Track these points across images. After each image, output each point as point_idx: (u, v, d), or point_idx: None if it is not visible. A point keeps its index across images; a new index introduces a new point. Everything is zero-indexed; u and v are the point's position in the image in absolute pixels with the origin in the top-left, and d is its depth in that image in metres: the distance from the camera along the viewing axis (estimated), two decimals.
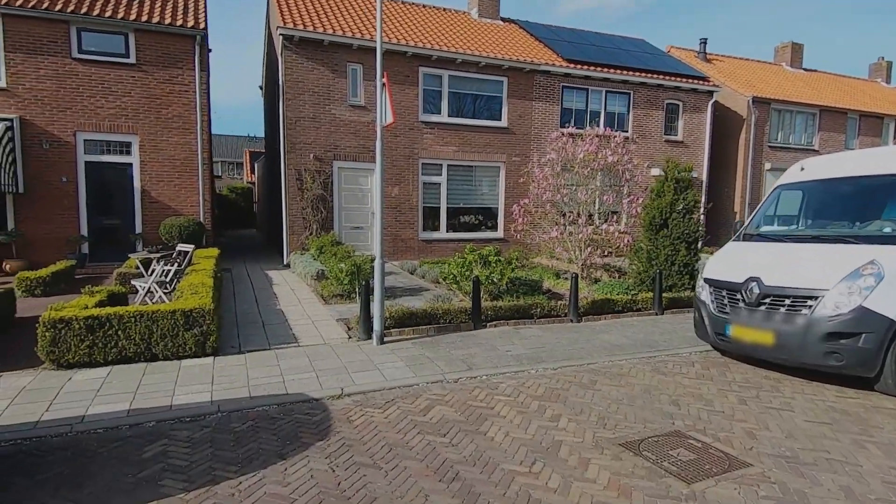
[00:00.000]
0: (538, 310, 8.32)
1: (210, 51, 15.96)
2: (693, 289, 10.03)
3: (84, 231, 11.94)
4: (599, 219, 11.23)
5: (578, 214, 10.97)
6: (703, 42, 22.85)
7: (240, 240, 22.17)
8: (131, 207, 12.38)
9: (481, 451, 4.12)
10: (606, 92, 17.06)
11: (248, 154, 43.15)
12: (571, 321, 8.42)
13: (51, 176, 11.55)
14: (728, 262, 6.66)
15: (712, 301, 6.51)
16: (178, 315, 6.12)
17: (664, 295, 9.30)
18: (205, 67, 12.78)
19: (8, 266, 10.92)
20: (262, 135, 25.76)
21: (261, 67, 20.72)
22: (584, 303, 8.65)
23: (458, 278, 9.04)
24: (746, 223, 7.34)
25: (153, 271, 9.03)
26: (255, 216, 31.91)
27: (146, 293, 8.59)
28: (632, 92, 17.45)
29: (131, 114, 12.05)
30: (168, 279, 9.10)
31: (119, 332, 5.95)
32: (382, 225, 7.03)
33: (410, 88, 14.43)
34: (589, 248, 10.88)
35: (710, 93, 18.86)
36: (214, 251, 11.33)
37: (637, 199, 10.99)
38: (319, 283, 10.63)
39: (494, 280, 8.71)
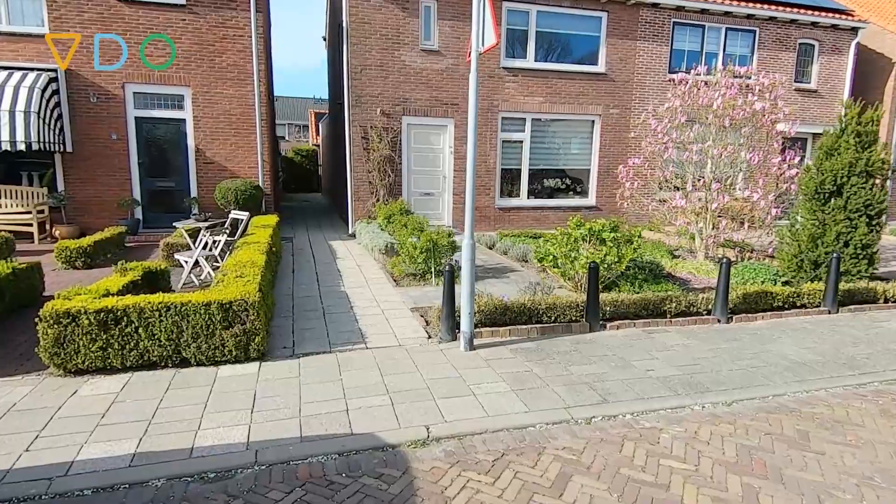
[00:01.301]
0: (673, 305, 6.33)
1: None
2: (874, 278, 7.63)
3: (136, 194, 10.96)
4: (740, 184, 8.88)
5: (712, 178, 8.67)
6: None
7: (304, 204, 21.15)
8: (185, 168, 11.26)
9: None
10: (726, 29, 14.10)
11: (313, 115, 42.28)
12: (719, 321, 6.37)
13: (100, 133, 10.53)
14: None
15: None
16: (213, 308, 4.68)
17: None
18: (261, 9, 11.22)
19: (58, 232, 10.11)
20: (328, 96, 24.38)
21: (324, 16, 19.08)
22: (731, 295, 6.55)
23: (559, 260, 7.16)
24: None
25: (204, 243, 7.77)
26: (320, 179, 31.05)
27: (191, 269, 7.33)
28: (757, 29, 14.37)
29: (183, 62, 10.75)
30: (219, 251, 7.83)
31: (140, 330, 4.59)
32: (473, 192, 5.23)
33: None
34: (724, 221, 8.61)
35: (854, 30, 15.36)
36: (273, 219, 10.01)
37: (793, 158, 8.51)
38: (388, 259, 9.09)
39: (610, 264, 6.76)
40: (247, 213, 8.52)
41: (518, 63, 12.70)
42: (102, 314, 4.50)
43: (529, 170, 13.40)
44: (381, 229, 10.81)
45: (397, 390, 4.30)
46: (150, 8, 10.45)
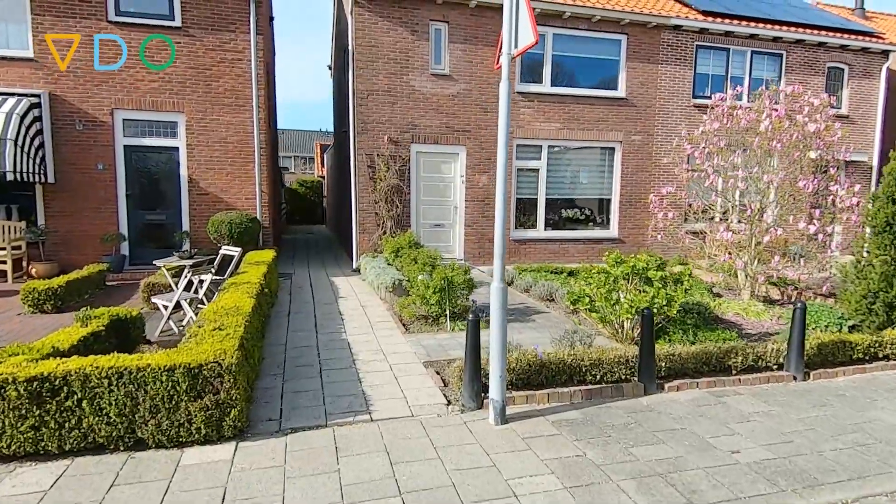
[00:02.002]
0: (739, 359, 5.28)
1: (272, 19, 13.93)
2: None
3: (123, 228, 10.09)
4: (772, 213, 7.91)
5: (759, 208, 7.72)
6: None
7: (308, 237, 20.34)
8: (178, 200, 10.42)
9: None
10: (752, 53, 13.40)
11: (318, 147, 42.02)
12: (794, 378, 5.31)
13: (85, 162, 9.75)
14: None
15: None
16: (178, 374, 3.69)
17: None
18: (262, 31, 10.59)
19: (34, 270, 9.21)
20: (333, 128, 23.84)
21: (330, 43, 18.63)
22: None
23: (597, 303, 6.15)
24: None
25: (187, 283, 6.84)
26: (325, 211, 30.39)
27: (170, 314, 6.36)
28: (784, 52, 13.66)
29: (176, 87, 10.05)
30: (203, 293, 6.89)
31: (84, 404, 3.60)
32: (504, 224, 4.28)
33: None
34: (777, 257, 7.61)
35: (885, 53, 14.65)
36: (268, 254, 9.09)
37: (850, 185, 7.57)
38: (396, 299, 8.13)
39: (659, 307, 5.75)
40: (238, 249, 7.60)
41: (534, 88, 11.97)
42: (36, 384, 3.52)
43: (546, 199, 12.53)
44: (388, 264, 9.89)
45: (412, 489, 3.26)
46: (143, 30, 9.80)
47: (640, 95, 12.60)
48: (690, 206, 8.88)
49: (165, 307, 6.34)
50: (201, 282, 6.94)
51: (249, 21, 10.27)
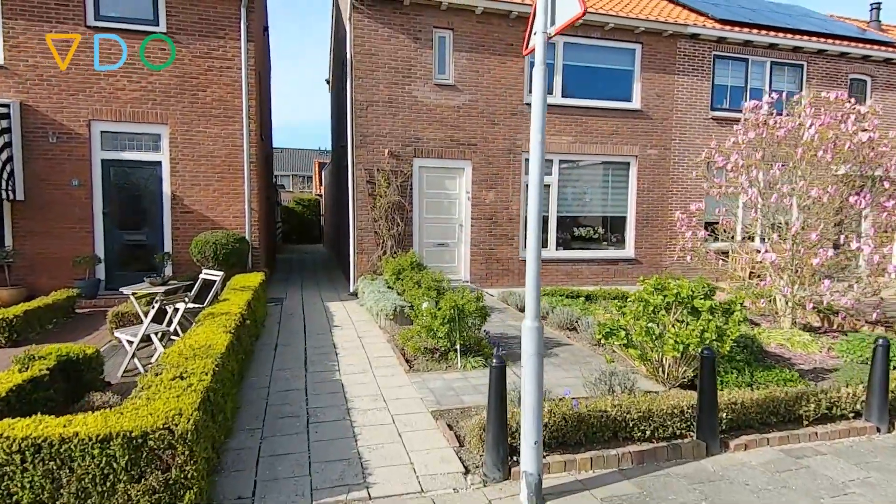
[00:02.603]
0: (812, 407, 4.40)
1: (267, 28, 13.29)
2: None
3: (99, 249, 9.24)
4: (831, 232, 7.09)
5: (803, 226, 6.90)
6: (876, 7, 17.78)
7: (304, 256, 19.49)
8: (160, 219, 9.59)
9: None
10: (772, 63, 12.73)
11: (317, 165, 41.47)
12: (878, 430, 4.42)
13: (58, 178, 8.94)
14: None
15: None
16: (115, 447, 2.80)
17: None
18: (254, 38, 9.88)
19: None
20: (331, 144, 23.10)
21: (328, 56, 18.03)
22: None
23: (632, 336, 5.28)
24: None
25: (156, 312, 5.96)
26: (323, 230, 29.65)
27: (135, 351, 5.47)
28: (805, 63, 13.00)
29: (160, 97, 9.29)
30: (176, 324, 6.01)
31: None
32: (538, 243, 3.45)
33: (513, 62, 10.91)
34: (827, 281, 6.77)
35: None
36: (256, 278, 8.22)
37: None
38: (398, 328, 7.27)
39: (709, 343, 4.88)
40: (221, 274, 6.75)
41: None
42: None
43: (558, 217, 11.73)
44: (389, 287, 9.03)
45: None
46: (124, 36, 9.08)
47: (656, 107, 11.89)
48: (721, 223, 8.07)
49: (130, 342, 5.45)
50: (176, 311, 6.07)
51: (240, 27, 9.56)
